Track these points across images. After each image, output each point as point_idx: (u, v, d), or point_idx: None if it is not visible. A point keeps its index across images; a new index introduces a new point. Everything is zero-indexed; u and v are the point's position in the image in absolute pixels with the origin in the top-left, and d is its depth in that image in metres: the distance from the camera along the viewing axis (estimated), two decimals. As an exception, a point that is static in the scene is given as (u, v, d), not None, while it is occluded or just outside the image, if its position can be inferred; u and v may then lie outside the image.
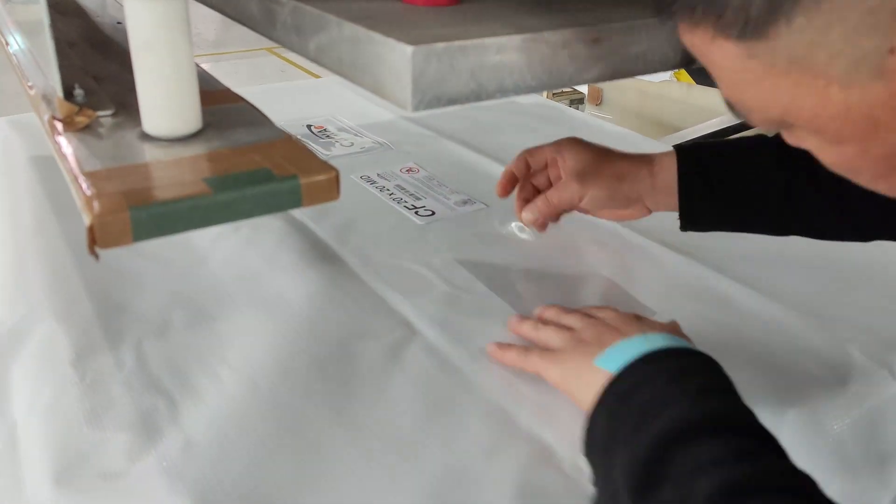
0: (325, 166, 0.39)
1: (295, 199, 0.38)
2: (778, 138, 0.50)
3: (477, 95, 0.40)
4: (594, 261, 0.73)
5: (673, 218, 0.66)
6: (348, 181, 0.89)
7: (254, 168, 0.38)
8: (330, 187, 0.39)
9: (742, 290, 0.67)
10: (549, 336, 0.55)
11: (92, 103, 0.46)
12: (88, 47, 0.60)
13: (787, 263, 0.72)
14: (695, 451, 0.37)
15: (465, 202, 0.84)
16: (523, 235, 0.77)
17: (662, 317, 0.62)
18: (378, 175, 0.91)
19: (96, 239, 0.33)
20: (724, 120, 1.22)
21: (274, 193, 0.37)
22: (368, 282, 0.67)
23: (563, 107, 1.26)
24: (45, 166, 0.87)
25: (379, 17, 0.42)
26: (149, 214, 0.34)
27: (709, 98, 1.30)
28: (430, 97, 0.39)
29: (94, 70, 0.54)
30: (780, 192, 0.59)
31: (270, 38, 0.52)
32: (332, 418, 0.52)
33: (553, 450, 0.50)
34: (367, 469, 0.48)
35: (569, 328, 0.55)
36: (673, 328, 0.52)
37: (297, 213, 0.78)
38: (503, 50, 0.40)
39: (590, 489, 0.44)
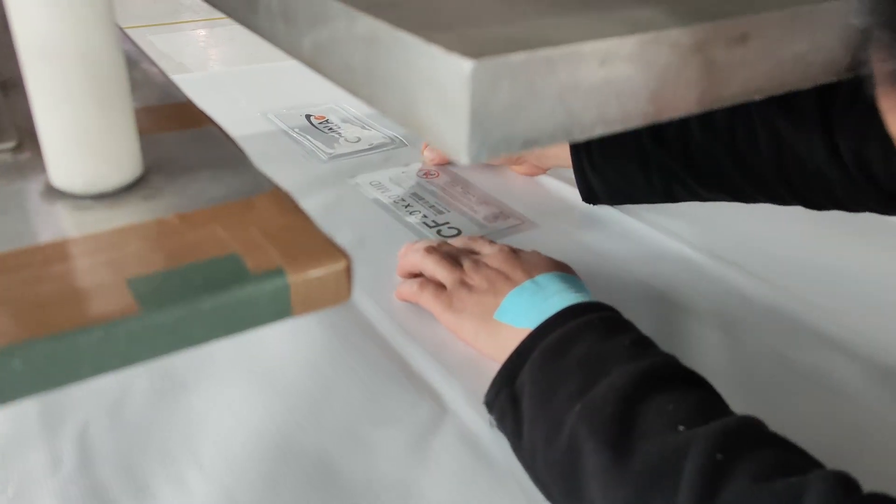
0: (331, 249, 0.25)
1: (281, 308, 0.24)
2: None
3: (567, 132, 0.26)
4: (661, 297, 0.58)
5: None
6: (355, 190, 0.74)
7: (214, 255, 0.24)
8: (338, 285, 0.24)
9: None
10: (434, 267, 0.55)
11: (-14, 129, 0.31)
12: (5, 33, 0.44)
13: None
14: (658, 404, 0.38)
15: (496, 217, 0.70)
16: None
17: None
18: (390, 180, 0.76)
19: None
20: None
21: (246, 302, 0.23)
22: (385, 335, 0.53)
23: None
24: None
25: (411, 4, 0.27)
26: (26, 361, 0.20)
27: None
28: (496, 139, 0.24)
29: (10, 71, 0.39)
30: (656, 167, 0.63)
31: (251, 27, 0.37)
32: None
33: None
34: None
35: (454, 261, 0.55)
36: (550, 263, 0.53)
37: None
38: (610, 60, 0.25)
39: None
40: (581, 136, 0.26)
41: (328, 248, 0.25)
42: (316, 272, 0.24)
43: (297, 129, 0.88)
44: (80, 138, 0.26)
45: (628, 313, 0.47)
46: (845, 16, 0.29)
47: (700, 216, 0.69)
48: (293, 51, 0.33)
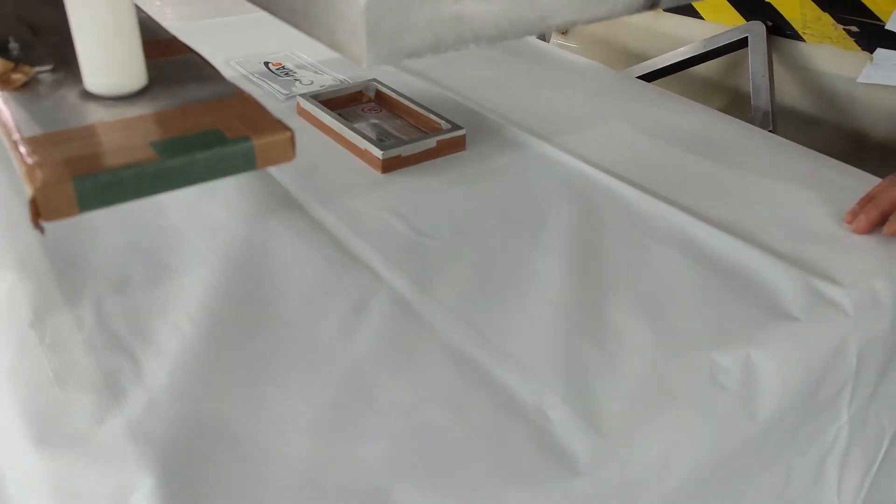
0: (280, 126, 0.38)
1: (248, 162, 0.37)
2: None
3: (435, 48, 0.39)
4: (562, 203, 0.72)
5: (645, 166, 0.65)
6: (309, 124, 0.87)
7: (204, 129, 0.37)
8: (285, 148, 0.37)
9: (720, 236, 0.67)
10: None
11: (29, 58, 0.44)
12: (24, -10, 0.56)
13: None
14: None
15: (429, 143, 0.83)
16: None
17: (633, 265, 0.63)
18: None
19: (40, 212, 0.32)
20: (690, 49, 1.20)
21: (226, 157, 0.36)
22: (333, 232, 0.66)
23: (530, 38, 1.23)
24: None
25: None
26: (94, 184, 0.33)
27: (674, 25, 1.28)
28: (387, 52, 0.37)
29: (31, 18, 0.51)
30: None
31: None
32: (297, 373, 0.52)
33: (519, 397, 0.51)
34: (333, 421, 0.49)
35: None
36: None
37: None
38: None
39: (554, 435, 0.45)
40: (446, 50, 0.39)
41: (278, 125, 0.38)
42: (270, 138, 0.37)
43: (256, 74, 0.99)
44: (108, 55, 0.39)
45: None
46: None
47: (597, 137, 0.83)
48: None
